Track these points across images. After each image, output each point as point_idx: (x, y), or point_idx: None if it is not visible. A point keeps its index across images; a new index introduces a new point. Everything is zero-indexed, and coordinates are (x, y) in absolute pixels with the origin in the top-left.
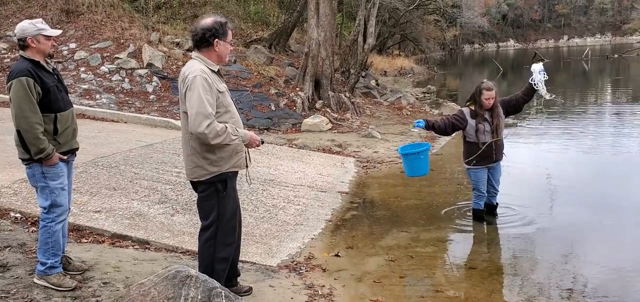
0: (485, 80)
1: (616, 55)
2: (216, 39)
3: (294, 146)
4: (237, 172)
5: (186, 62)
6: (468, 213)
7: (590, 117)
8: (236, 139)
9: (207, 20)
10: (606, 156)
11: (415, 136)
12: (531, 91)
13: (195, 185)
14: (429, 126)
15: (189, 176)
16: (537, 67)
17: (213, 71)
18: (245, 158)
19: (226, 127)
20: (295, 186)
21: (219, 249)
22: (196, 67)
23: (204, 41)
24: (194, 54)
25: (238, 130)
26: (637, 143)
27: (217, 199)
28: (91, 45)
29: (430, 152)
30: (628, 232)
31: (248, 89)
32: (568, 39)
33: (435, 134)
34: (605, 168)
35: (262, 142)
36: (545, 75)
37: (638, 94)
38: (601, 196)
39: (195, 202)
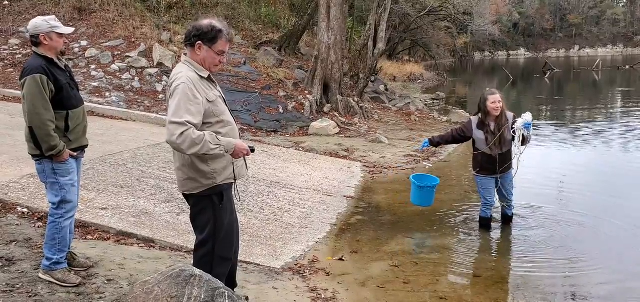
0: (488, 88)
1: (627, 67)
2: (199, 42)
3: (301, 149)
4: (232, 183)
5: None
6: (474, 220)
7: (599, 126)
8: (217, 148)
9: (204, 21)
10: (615, 164)
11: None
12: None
13: (187, 198)
14: (435, 143)
15: (180, 189)
16: (520, 122)
17: (202, 77)
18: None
19: (204, 136)
20: (301, 189)
21: (216, 265)
22: (183, 75)
23: (188, 40)
24: (183, 57)
25: (220, 139)
26: None
27: (213, 212)
28: (102, 43)
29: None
30: (636, 240)
31: (257, 90)
32: (579, 49)
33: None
34: (613, 176)
35: (253, 151)
36: (530, 131)
37: None
38: (609, 204)
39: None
